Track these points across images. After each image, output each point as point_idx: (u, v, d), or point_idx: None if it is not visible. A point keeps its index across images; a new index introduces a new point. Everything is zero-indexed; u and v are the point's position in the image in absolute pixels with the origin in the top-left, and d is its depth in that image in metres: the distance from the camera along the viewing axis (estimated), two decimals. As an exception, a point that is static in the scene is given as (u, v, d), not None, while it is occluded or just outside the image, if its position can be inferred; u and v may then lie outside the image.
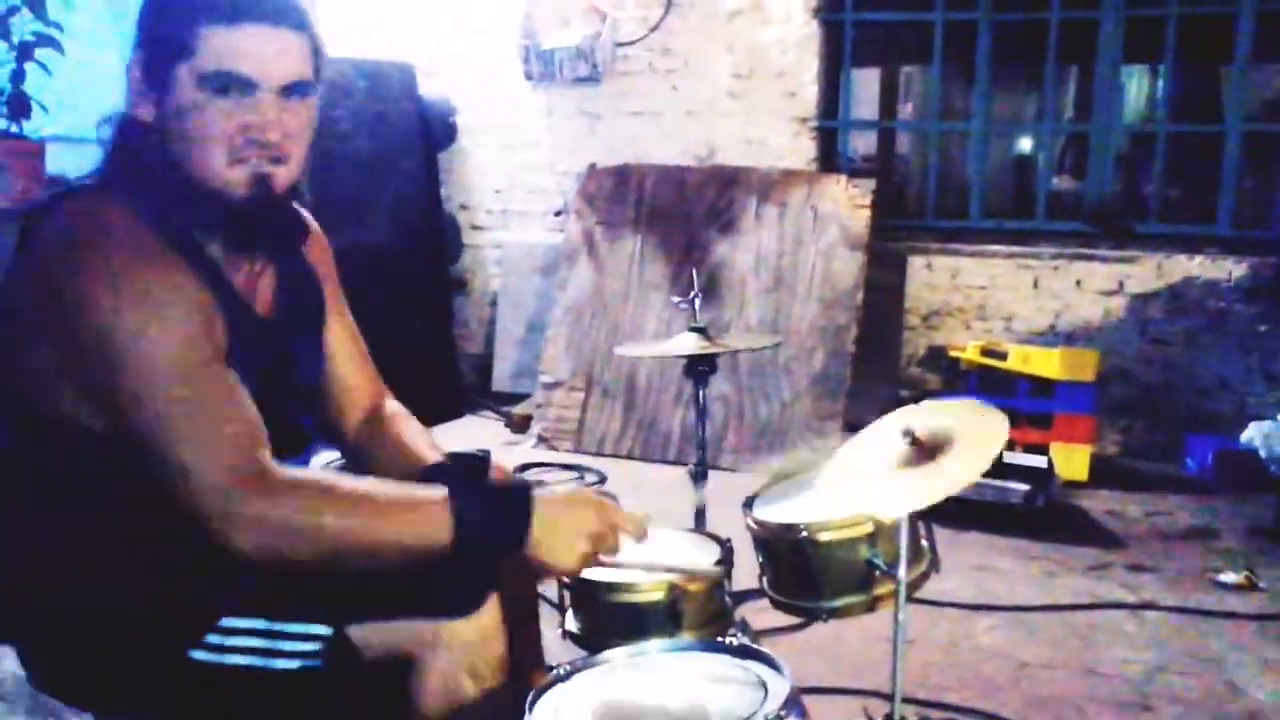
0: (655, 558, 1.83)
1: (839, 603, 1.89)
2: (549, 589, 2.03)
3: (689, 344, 2.44)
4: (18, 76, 4.05)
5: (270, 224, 1.47)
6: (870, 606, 1.89)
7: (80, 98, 4.16)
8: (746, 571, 2.01)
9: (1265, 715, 2.53)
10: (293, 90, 1.42)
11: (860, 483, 1.79)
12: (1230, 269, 4.44)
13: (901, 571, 1.77)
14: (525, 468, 4.42)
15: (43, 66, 4.09)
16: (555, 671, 1.48)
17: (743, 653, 1.50)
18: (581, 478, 4.35)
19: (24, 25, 4.08)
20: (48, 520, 1.42)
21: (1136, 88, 7.32)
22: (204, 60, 1.36)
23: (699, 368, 2.45)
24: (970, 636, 2.93)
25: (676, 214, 4.95)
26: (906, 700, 1.89)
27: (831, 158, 5.15)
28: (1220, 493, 4.11)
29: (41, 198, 1.48)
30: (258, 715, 1.43)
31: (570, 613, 1.93)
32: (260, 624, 1.40)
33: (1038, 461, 3.87)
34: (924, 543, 1.96)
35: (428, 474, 1.63)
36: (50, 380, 1.36)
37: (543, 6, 5.32)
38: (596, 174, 5.19)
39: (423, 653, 1.43)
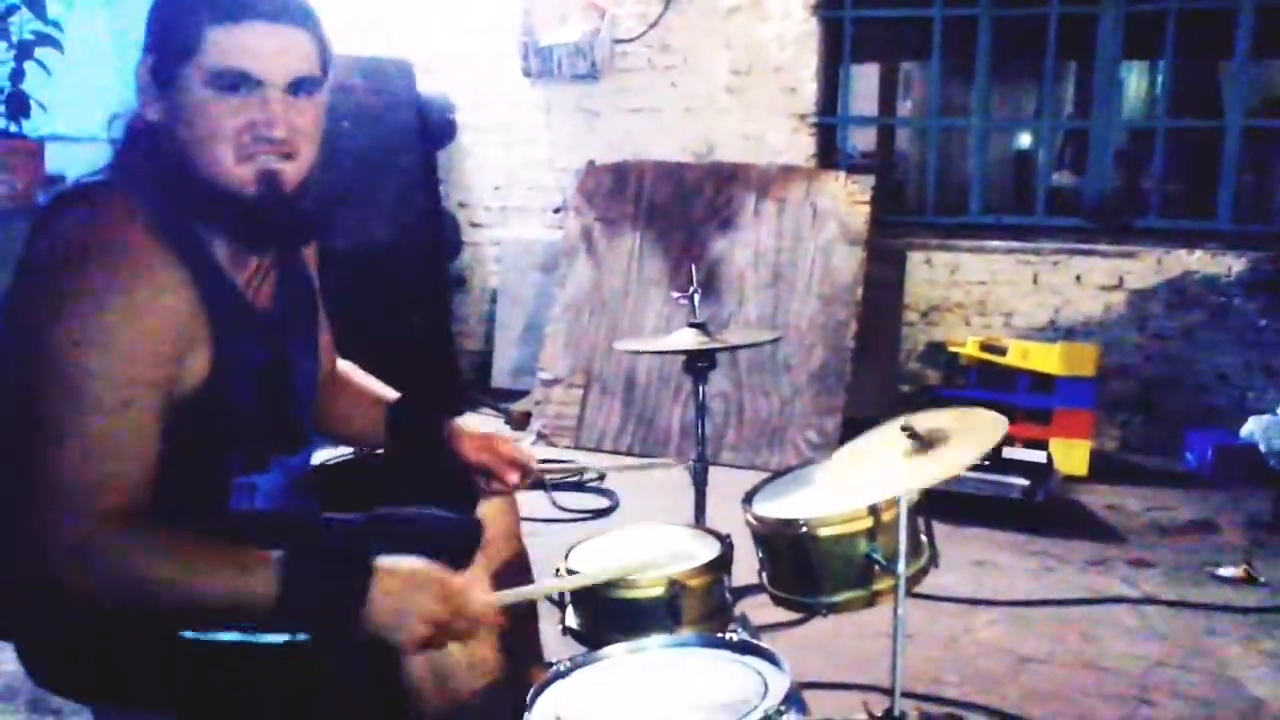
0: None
1: (838, 598, 1.90)
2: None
3: (688, 340, 2.45)
4: (17, 75, 4.06)
5: (280, 221, 1.47)
6: (870, 601, 1.89)
7: (79, 97, 4.16)
8: (746, 567, 2.01)
9: (1264, 709, 2.53)
10: (299, 87, 1.44)
11: (860, 472, 1.80)
12: (1230, 264, 4.45)
13: (901, 566, 1.77)
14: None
15: (42, 66, 4.09)
16: (555, 668, 1.49)
17: (742, 648, 1.50)
18: (581, 475, 4.36)
19: (23, 24, 4.09)
20: None
21: (1136, 83, 7.32)
22: (210, 59, 1.37)
23: (698, 364, 2.45)
24: (970, 631, 2.93)
25: (675, 210, 4.95)
26: (906, 695, 1.90)
27: (830, 154, 5.15)
28: (1219, 487, 4.11)
29: (53, 194, 1.47)
30: (248, 692, 1.43)
31: (570, 609, 1.93)
32: None
33: (1037, 456, 3.87)
34: (923, 538, 1.97)
35: (394, 409, 1.83)
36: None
37: (541, 3, 5.32)
38: (595, 171, 5.19)
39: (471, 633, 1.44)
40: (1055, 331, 4.67)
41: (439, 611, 1.36)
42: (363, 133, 4.99)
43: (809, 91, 4.99)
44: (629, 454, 4.65)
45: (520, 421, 4.97)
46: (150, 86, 1.42)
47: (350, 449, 2.01)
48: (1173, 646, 2.84)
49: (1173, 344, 4.55)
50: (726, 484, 2.50)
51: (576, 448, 4.72)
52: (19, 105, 4.05)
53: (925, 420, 1.83)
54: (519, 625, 1.77)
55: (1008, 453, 3.80)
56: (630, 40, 5.22)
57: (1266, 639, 2.88)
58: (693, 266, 2.65)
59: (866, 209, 4.64)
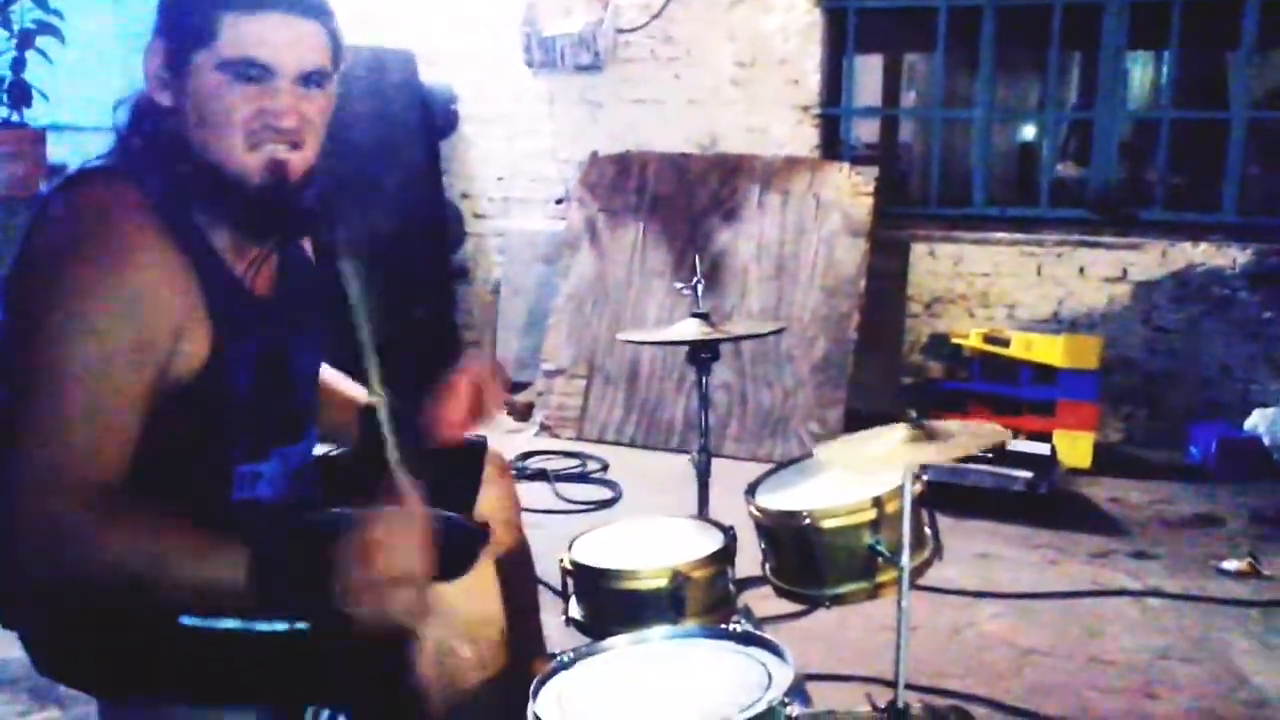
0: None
1: (842, 589, 1.90)
2: (551, 576, 2.03)
3: (691, 331, 2.44)
4: (18, 65, 4.05)
5: (283, 210, 1.48)
6: (873, 593, 1.89)
7: (81, 87, 4.16)
8: (749, 558, 2.01)
9: (1268, 702, 2.53)
10: (310, 79, 1.44)
11: (863, 455, 1.79)
12: (1235, 256, 4.43)
13: (904, 558, 1.77)
14: (528, 455, 4.43)
15: (44, 55, 4.08)
16: (558, 659, 1.49)
17: (746, 640, 1.50)
18: (584, 465, 4.35)
19: (25, 13, 4.08)
20: None
21: (1141, 74, 7.30)
22: (224, 47, 1.38)
23: (701, 354, 2.44)
24: (973, 623, 2.93)
25: (679, 202, 4.94)
26: (909, 687, 1.89)
27: (834, 145, 5.13)
28: (1223, 480, 4.11)
29: (56, 181, 1.47)
30: (248, 677, 1.43)
31: (573, 600, 1.93)
32: None
33: (1041, 449, 3.87)
34: (927, 530, 1.96)
35: (364, 413, 1.77)
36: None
37: (544, -7, 5.31)
38: (598, 162, 5.18)
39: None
40: (1059, 323, 4.66)
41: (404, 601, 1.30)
42: (366, 124, 4.98)
43: (813, 83, 4.98)
44: (632, 445, 4.65)
45: (523, 413, 4.96)
46: (162, 71, 1.42)
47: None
48: (1176, 639, 2.84)
49: (1177, 336, 4.54)
50: (729, 475, 2.49)
51: (579, 439, 4.71)
52: (21, 94, 4.04)
53: (930, 424, 1.83)
54: (521, 616, 1.77)
55: (1011, 445, 3.80)
56: (633, 31, 5.20)
57: (1271, 632, 2.88)
58: (696, 258, 2.65)
59: (870, 200, 4.63)
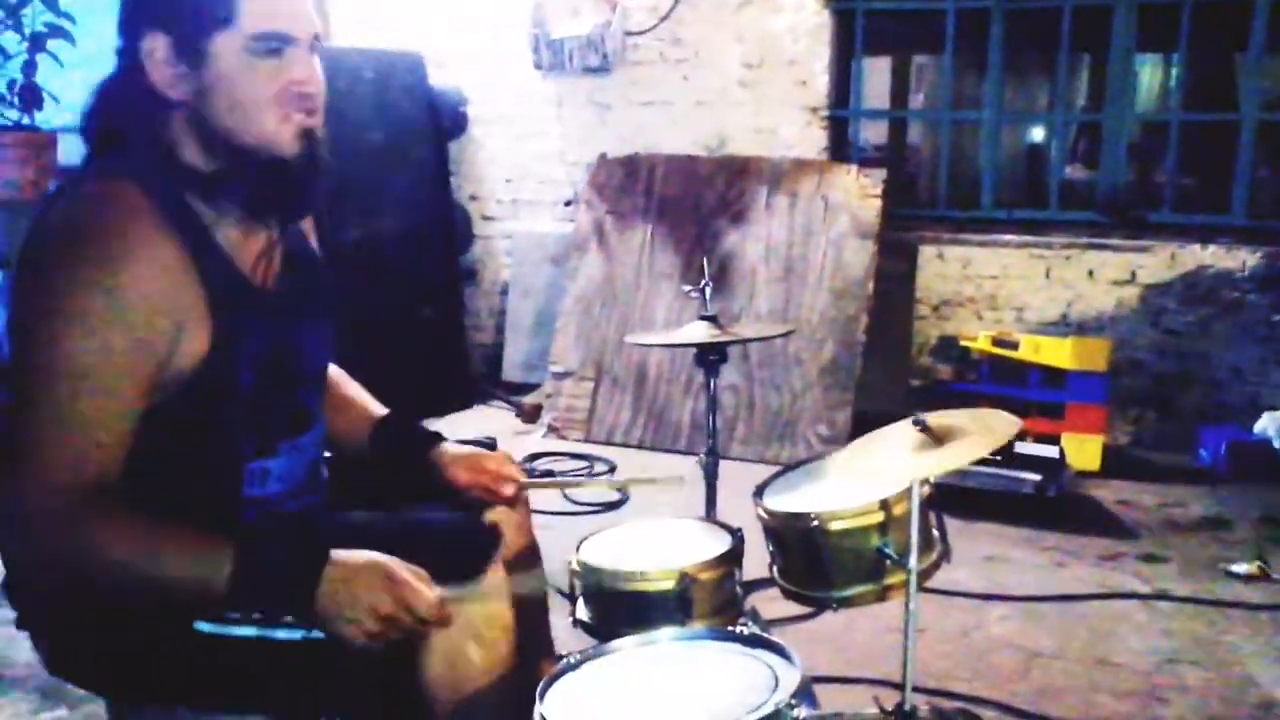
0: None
1: (849, 592, 1.89)
2: (559, 577, 2.03)
3: (699, 333, 2.44)
4: (30, 67, 4.07)
5: (314, 179, 1.51)
6: (881, 596, 1.89)
7: (92, 90, 4.17)
8: (756, 561, 2.01)
9: (1277, 705, 2.52)
10: (314, 42, 1.48)
11: (872, 464, 1.79)
12: (1244, 258, 4.42)
13: (912, 561, 1.77)
14: (535, 457, 4.43)
15: (54, 58, 4.10)
16: (565, 660, 1.49)
17: (753, 642, 1.50)
18: (592, 467, 4.36)
19: (36, 16, 4.09)
20: None
21: (1150, 76, 7.28)
22: (249, 24, 1.40)
23: (709, 357, 2.44)
24: (981, 626, 2.92)
25: (687, 204, 4.94)
26: (917, 690, 1.89)
27: (842, 147, 5.13)
28: (1233, 483, 4.09)
29: (57, 181, 1.48)
30: (263, 685, 1.44)
31: (581, 601, 1.93)
32: None
33: (1049, 451, 3.86)
34: (935, 532, 1.96)
35: (378, 426, 1.79)
36: None
37: (553, -4, 5.31)
38: (607, 164, 5.18)
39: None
40: (1067, 326, 4.65)
41: (385, 606, 1.36)
42: (373, 126, 4.99)
43: (821, 84, 4.98)
44: (639, 447, 4.65)
45: (531, 415, 4.97)
46: (174, 65, 1.41)
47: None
48: (1185, 643, 2.83)
49: (1186, 339, 4.52)
50: (737, 477, 2.49)
51: (587, 441, 4.72)
52: (32, 97, 4.06)
53: (938, 418, 1.83)
54: (529, 617, 1.77)
55: (1020, 448, 3.79)
56: (642, 33, 5.20)
57: (1280, 635, 2.87)
58: (704, 260, 2.65)
59: (878, 202, 4.62)
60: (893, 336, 4.80)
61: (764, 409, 4.54)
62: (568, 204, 5.49)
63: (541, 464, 4.38)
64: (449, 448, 1.84)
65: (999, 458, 3.66)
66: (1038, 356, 4.29)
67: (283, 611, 1.38)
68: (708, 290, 2.52)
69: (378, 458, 1.82)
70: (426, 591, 1.39)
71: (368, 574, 1.37)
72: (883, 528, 1.85)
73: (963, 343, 4.64)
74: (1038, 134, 7.20)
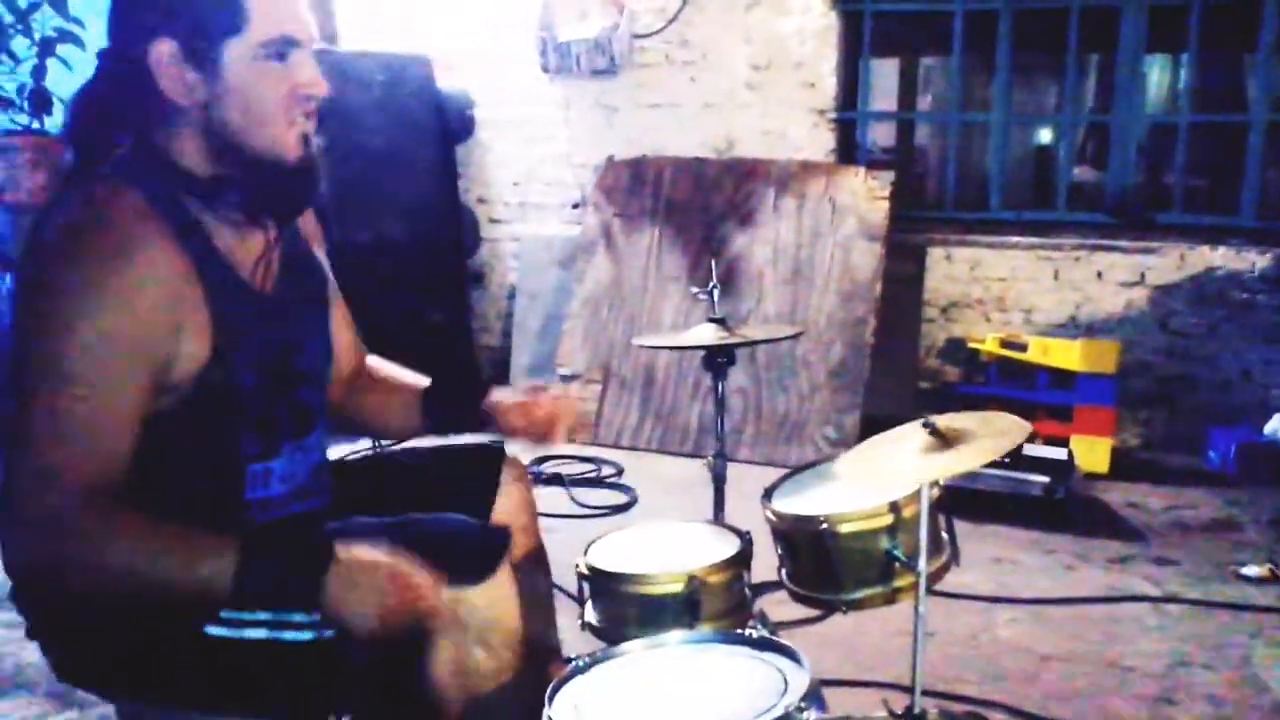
0: None
1: (858, 595, 1.89)
2: (567, 580, 2.03)
3: (707, 335, 2.44)
4: (39, 72, 4.09)
5: (312, 181, 1.52)
6: (890, 599, 1.88)
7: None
8: (765, 563, 2.00)
9: (1289, 709, 2.51)
10: (313, 45, 1.48)
11: (880, 467, 1.79)
12: (1253, 260, 4.40)
13: (921, 564, 1.76)
14: (542, 460, 4.43)
15: (64, 63, 4.12)
16: (574, 663, 1.49)
17: (762, 645, 1.49)
18: (599, 470, 4.35)
19: (46, 21, 4.11)
20: None
21: (1159, 77, 7.26)
22: (261, 30, 1.41)
23: (717, 359, 2.44)
24: (990, 629, 2.92)
25: (694, 206, 4.94)
26: (926, 693, 1.88)
27: (850, 149, 5.12)
28: (1243, 485, 4.08)
29: (58, 187, 1.48)
30: (272, 688, 1.44)
31: (589, 604, 1.93)
32: None
33: (1058, 454, 3.85)
34: (944, 535, 1.96)
35: (427, 396, 1.82)
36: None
37: (560, -1, 5.32)
38: (614, 166, 5.19)
39: (436, 625, 1.44)
40: (1076, 328, 4.64)
41: (391, 602, 1.37)
42: (381, 129, 5.00)
43: (828, 86, 4.97)
44: (647, 450, 4.65)
45: (538, 417, 4.96)
46: (185, 71, 1.41)
47: (368, 445, 2.01)
48: (1195, 646, 2.82)
49: (1195, 341, 4.51)
50: (745, 480, 2.49)
51: (595, 443, 4.72)
52: (42, 102, 4.09)
53: (947, 421, 1.82)
54: (537, 621, 1.77)
55: (1028, 450, 3.77)
56: (649, 35, 5.21)
57: (1291, 638, 2.86)
58: (712, 262, 2.65)
59: (886, 204, 4.62)
60: (901, 339, 4.79)
61: (772, 411, 4.53)
62: (575, 207, 5.50)
63: (549, 466, 4.38)
64: (500, 395, 1.87)
65: (1008, 460, 3.64)
66: (1046, 358, 4.28)
67: (289, 606, 1.39)
68: (715, 292, 2.52)
69: (435, 425, 1.86)
70: (430, 580, 1.40)
71: (373, 564, 1.38)
72: (892, 530, 1.85)
73: (971, 345, 4.64)
74: (1046, 135, 7.19)
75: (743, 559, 1.92)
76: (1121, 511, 3.85)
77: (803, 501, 2.00)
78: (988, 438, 1.74)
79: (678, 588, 1.81)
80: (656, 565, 1.88)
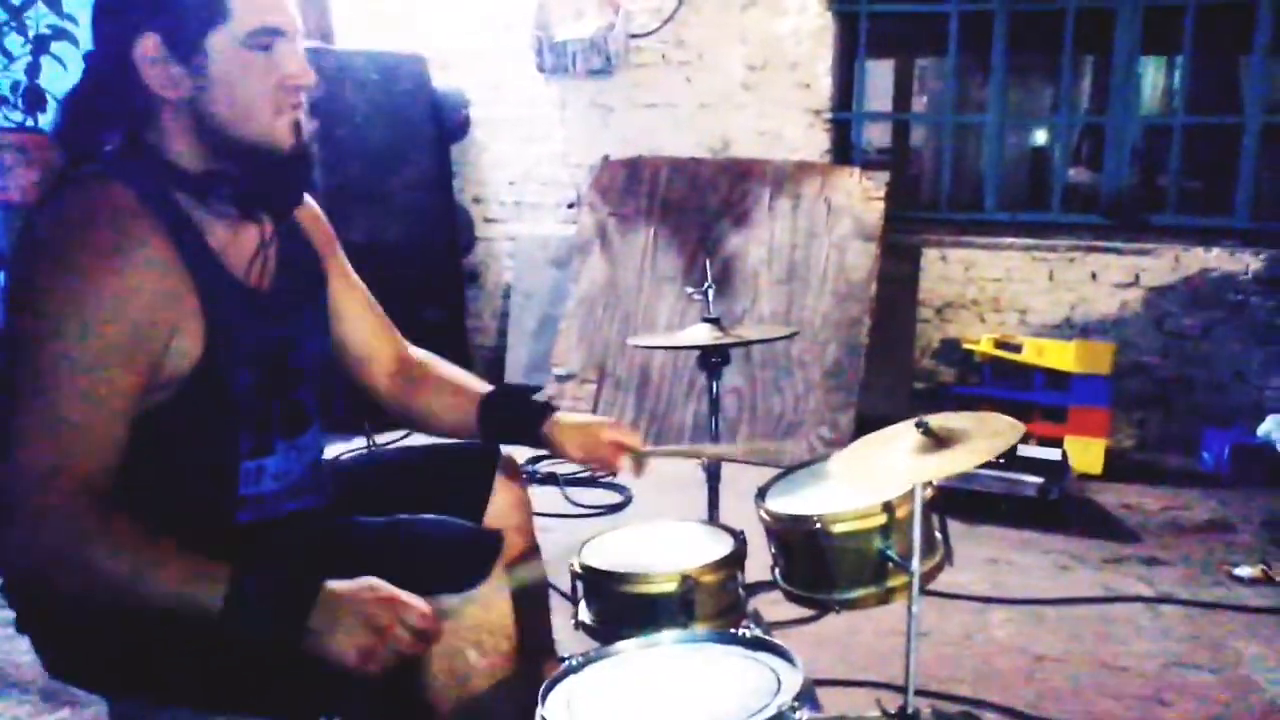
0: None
1: (852, 595, 1.88)
2: (561, 579, 2.03)
3: (702, 335, 2.44)
4: (33, 70, 4.08)
5: (305, 171, 1.53)
6: (883, 599, 1.88)
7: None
8: (759, 563, 2.00)
9: (1281, 709, 2.52)
10: (298, 35, 1.48)
11: (874, 467, 1.79)
12: (1248, 261, 4.41)
13: (915, 564, 1.76)
14: (537, 459, 4.42)
15: (58, 60, 4.11)
16: (567, 663, 1.49)
17: (755, 644, 1.49)
18: (592, 473, 4.35)
19: (40, 19, 4.10)
20: None
21: (1154, 79, 7.27)
22: (244, 20, 1.40)
23: (712, 359, 2.44)
24: (984, 629, 2.92)
25: (690, 206, 4.94)
26: (920, 693, 1.89)
27: (845, 150, 5.13)
28: (1236, 486, 4.09)
29: (49, 184, 1.48)
30: (265, 687, 1.44)
31: (583, 603, 1.93)
32: None
33: (1052, 454, 3.85)
34: (937, 535, 1.96)
35: (484, 403, 1.79)
36: None
37: (556, -2, 5.32)
38: (610, 166, 5.19)
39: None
40: (1071, 329, 4.64)
41: (378, 626, 1.34)
42: (376, 128, 5.00)
43: (824, 87, 4.98)
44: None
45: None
46: (171, 65, 1.41)
47: (363, 444, 2.01)
48: (1189, 646, 2.82)
49: (1189, 342, 4.52)
50: (739, 479, 2.49)
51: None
52: (35, 99, 4.08)
53: (941, 421, 1.82)
54: (531, 619, 1.77)
55: (1023, 450, 3.78)
56: (645, 35, 5.21)
57: (1284, 639, 2.86)
58: (707, 262, 2.64)
59: (881, 205, 4.62)
60: (895, 339, 4.79)
61: (766, 411, 4.53)
62: (570, 206, 5.49)
63: (543, 465, 4.37)
64: (562, 419, 1.86)
65: (1002, 461, 3.65)
66: (1041, 359, 4.28)
67: (273, 642, 1.35)
68: (710, 292, 2.52)
69: (488, 435, 1.83)
70: (418, 607, 1.37)
71: (357, 605, 1.35)
72: (885, 530, 1.85)
73: (966, 345, 4.64)
74: (1041, 136, 7.20)
75: (737, 559, 1.92)
76: (1115, 512, 3.86)
77: (796, 501, 2.00)
78: (982, 438, 1.74)
79: (672, 587, 1.81)
80: (651, 565, 1.87)
